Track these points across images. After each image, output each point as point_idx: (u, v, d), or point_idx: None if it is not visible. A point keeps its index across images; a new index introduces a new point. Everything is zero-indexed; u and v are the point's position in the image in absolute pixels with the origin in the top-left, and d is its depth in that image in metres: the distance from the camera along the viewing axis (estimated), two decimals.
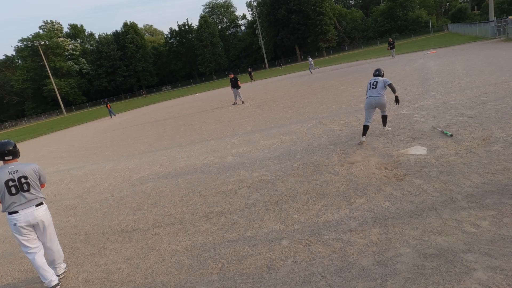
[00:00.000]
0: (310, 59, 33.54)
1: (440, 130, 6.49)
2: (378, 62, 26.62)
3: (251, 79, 38.95)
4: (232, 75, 18.47)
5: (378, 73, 6.95)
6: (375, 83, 6.66)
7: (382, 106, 6.76)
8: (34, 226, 3.77)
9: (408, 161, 5.27)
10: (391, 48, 27.67)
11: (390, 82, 6.58)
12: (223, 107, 19.32)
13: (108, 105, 31.00)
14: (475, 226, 3.28)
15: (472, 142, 5.51)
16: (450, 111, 7.71)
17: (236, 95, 18.80)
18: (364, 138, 6.67)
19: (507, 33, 27.15)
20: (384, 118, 7.14)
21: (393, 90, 6.53)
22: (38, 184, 3.83)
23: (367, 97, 6.73)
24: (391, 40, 28.21)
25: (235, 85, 18.29)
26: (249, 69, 42.61)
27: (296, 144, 7.66)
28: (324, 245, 3.50)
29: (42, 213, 3.77)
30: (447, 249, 3.02)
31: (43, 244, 3.87)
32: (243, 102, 18.51)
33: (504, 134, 5.59)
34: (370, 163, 5.52)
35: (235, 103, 18.82)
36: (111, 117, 30.62)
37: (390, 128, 7.30)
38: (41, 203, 3.81)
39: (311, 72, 31.62)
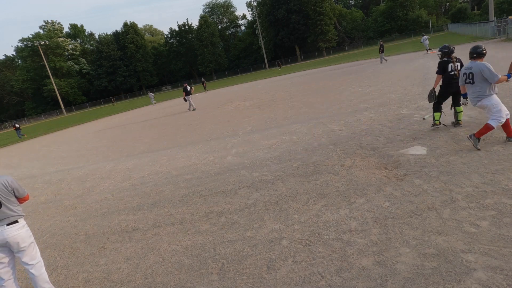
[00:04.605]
0: (151, 93, 37.16)
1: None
2: (378, 62, 26.59)
3: (205, 89, 40.58)
4: (186, 84, 21.60)
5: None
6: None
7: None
8: (8, 248, 3.38)
9: (408, 161, 5.27)
10: (381, 52, 25.58)
11: None
12: (223, 107, 19.34)
13: (14, 127, 28.95)
14: (475, 226, 3.28)
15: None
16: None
17: (190, 102, 21.10)
18: None
19: (507, 33, 27.13)
20: None
21: None
22: (13, 199, 3.40)
23: None
24: (381, 43, 26.44)
25: (189, 93, 21.03)
26: (202, 79, 46.36)
27: (296, 144, 7.66)
28: (324, 245, 3.50)
29: (14, 233, 3.31)
30: (447, 249, 3.02)
31: (25, 268, 3.48)
32: (194, 109, 20.83)
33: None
34: (370, 163, 5.52)
35: (194, 109, 20.85)
36: (20, 137, 28.47)
37: None
38: (15, 221, 3.36)
39: (154, 105, 35.09)
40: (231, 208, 4.93)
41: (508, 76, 5.92)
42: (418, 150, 5.66)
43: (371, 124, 8.08)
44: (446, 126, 6.64)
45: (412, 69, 17.60)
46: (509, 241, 2.96)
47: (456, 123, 6.54)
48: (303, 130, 8.90)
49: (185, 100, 21.45)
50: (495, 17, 33.44)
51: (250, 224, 4.30)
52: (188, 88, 21.04)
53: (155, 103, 36.07)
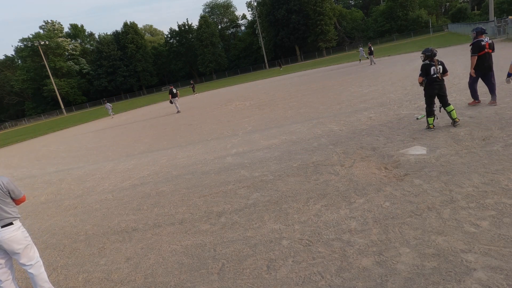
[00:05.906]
0: (108, 104, 33.61)
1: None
2: (378, 62, 26.59)
3: (193, 91, 40.51)
4: (172, 87, 22.54)
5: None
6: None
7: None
8: (5, 250, 3.35)
9: (408, 161, 5.27)
10: (370, 54, 25.66)
11: None
12: (223, 107, 19.34)
13: None
14: (475, 226, 3.28)
15: (472, 142, 5.51)
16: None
17: (175, 104, 21.92)
18: None
19: (507, 33, 27.13)
20: None
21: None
22: (8, 200, 3.36)
23: None
24: (370, 45, 26.82)
25: (175, 95, 21.94)
26: (191, 81, 46.49)
27: (296, 144, 7.66)
28: (324, 245, 3.50)
29: (9, 235, 3.27)
30: (447, 249, 3.02)
31: (24, 268, 3.47)
32: (178, 111, 21.65)
33: (504, 134, 5.59)
34: (370, 163, 5.52)
35: (178, 111, 21.67)
36: None
37: None
38: (10, 223, 3.32)
39: (112, 117, 31.83)
40: (231, 208, 4.93)
41: (509, 75, 5.97)
42: (418, 150, 5.66)
43: (371, 124, 8.08)
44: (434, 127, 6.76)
45: (412, 69, 17.58)
46: (509, 241, 2.96)
47: (454, 122, 6.61)
48: (303, 130, 8.90)
49: (171, 102, 22.20)
50: (495, 17, 33.40)
51: (250, 224, 4.30)
52: (174, 90, 21.97)
53: (113, 114, 33.01)
